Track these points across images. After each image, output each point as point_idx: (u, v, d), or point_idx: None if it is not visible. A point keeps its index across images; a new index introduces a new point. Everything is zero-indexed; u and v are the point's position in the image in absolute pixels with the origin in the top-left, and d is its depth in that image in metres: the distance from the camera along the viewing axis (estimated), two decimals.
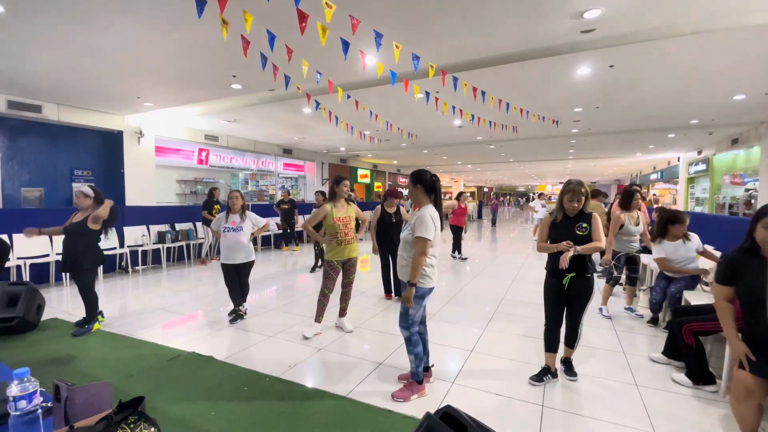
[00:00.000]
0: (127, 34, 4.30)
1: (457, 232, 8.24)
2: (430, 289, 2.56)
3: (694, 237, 3.83)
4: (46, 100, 7.15)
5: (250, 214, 4.23)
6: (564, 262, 2.58)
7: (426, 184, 2.57)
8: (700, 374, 2.69)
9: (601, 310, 4.35)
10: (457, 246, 8.26)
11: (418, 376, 2.61)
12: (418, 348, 2.59)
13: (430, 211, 2.49)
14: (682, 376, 2.77)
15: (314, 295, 5.16)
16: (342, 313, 3.92)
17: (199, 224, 7.98)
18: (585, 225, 2.69)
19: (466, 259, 8.12)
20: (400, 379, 2.80)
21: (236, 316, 4.11)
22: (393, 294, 5.01)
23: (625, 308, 4.48)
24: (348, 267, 3.76)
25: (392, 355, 3.22)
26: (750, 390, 1.90)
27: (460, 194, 8.67)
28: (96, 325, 3.81)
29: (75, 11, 3.76)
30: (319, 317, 3.72)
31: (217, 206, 7.79)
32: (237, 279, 4.15)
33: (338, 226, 3.60)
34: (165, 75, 5.74)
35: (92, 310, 3.82)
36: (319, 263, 6.94)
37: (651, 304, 4.00)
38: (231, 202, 4.18)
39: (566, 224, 2.74)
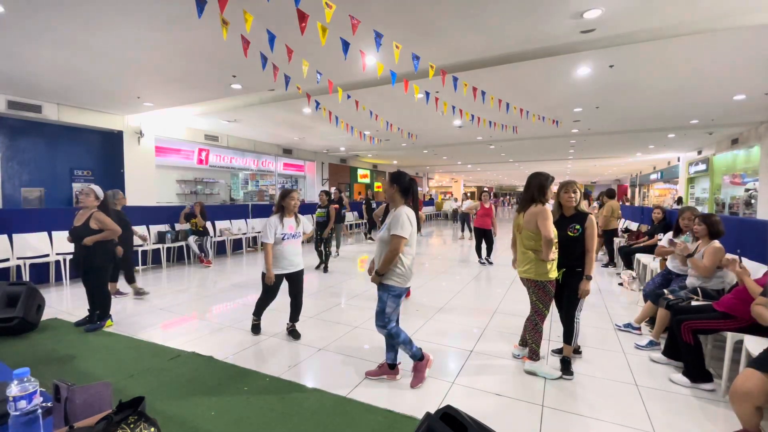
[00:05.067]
0: (127, 34, 4.30)
1: (483, 235, 7.58)
2: (405, 289, 2.64)
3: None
4: (46, 100, 7.15)
5: (301, 217, 3.81)
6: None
7: (402, 185, 2.64)
8: (698, 372, 2.69)
9: (629, 325, 3.84)
10: (487, 250, 7.65)
11: (416, 356, 2.71)
12: (401, 336, 2.67)
13: (405, 210, 2.57)
14: (680, 376, 2.77)
15: (316, 294, 5.16)
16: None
17: None
18: (578, 227, 2.85)
19: (492, 263, 7.55)
20: (368, 375, 2.81)
21: (255, 326, 3.76)
22: None
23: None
24: None
25: None
26: (749, 394, 1.92)
27: (482, 193, 7.97)
28: (108, 322, 3.88)
29: (75, 11, 3.76)
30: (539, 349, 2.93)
31: (195, 219, 7.47)
32: (277, 291, 3.69)
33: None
34: (165, 75, 5.73)
35: (106, 309, 3.88)
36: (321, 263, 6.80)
37: (644, 293, 4.10)
38: (293, 204, 3.61)
39: (562, 224, 2.91)
